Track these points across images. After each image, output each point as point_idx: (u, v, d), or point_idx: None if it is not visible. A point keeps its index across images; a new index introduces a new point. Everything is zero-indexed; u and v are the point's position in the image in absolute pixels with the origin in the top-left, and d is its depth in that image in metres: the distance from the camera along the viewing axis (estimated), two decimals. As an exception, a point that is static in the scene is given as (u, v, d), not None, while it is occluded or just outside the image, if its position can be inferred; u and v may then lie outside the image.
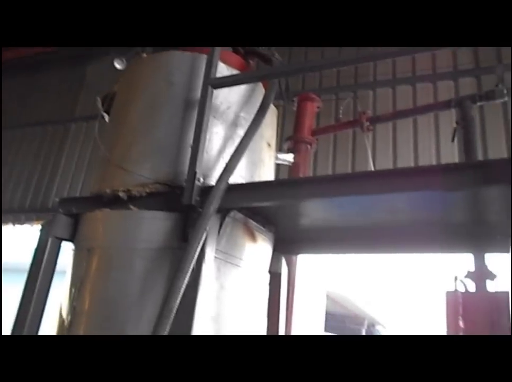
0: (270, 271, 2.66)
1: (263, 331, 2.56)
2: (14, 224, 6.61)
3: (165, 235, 2.01)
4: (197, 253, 1.81)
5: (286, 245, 2.69)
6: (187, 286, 1.82)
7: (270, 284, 2.75)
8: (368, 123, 3.83)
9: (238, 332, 2.16)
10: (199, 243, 1.82)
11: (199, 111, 2.13)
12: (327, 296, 12.76)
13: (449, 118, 4.97)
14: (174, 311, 1.72)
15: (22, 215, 6.66)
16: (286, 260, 2.84)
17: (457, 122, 3.52)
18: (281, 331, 2.72)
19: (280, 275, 2.74)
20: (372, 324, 17.88)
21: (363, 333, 15.89)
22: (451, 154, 5.01)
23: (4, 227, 6.69)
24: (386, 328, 17.12)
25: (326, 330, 12.92)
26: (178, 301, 1.74)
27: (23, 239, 6.71)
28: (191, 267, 1.79)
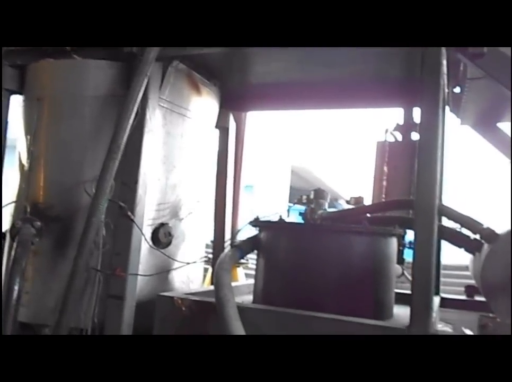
0: (218, 127, 2.86)
1: (209, 179, 2.84)
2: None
3: (110, 84, 2.13)
4: (140, 96, 1.96)
5: (233, 101, 2.85)
6: (134, 128, 2.01)
7: (219, 138, 2.97)
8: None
9: (185, 176, 2.42)
10: (140, 87, 1.96)
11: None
12: (292, 171, 13.39)
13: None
14: (122, 147, 1.93)
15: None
16: (235, 116, 3.03)
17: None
18: (229, 183, 3.01)
19: (227, 129, 2.95)
20: (335, 199, 19.03)
21: (327, 207, 16.95)
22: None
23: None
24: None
25: (290, 202, 13.81)
26: (125, 139, 1.94)
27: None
28: (135, 109, 1.96)
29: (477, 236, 1.86)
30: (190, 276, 2.51)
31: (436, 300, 2.70)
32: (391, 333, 1.64)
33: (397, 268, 2.56)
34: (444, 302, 2.89)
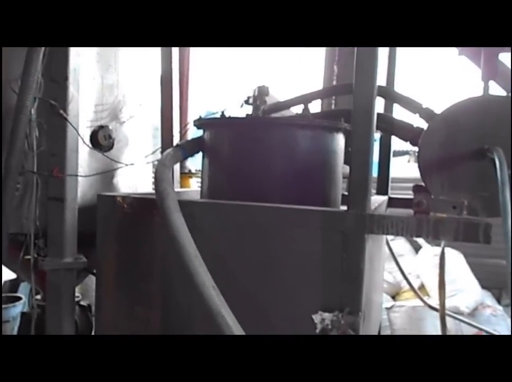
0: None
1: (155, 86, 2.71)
2: None
3: None
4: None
5: None
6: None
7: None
8: None
9: (123, 77, 2.30)
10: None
11: None
12: (254, 96, 13.15)
13: None
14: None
15: None
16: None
17: None
18: (175, 90, 2.87)
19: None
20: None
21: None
22: None
23: None
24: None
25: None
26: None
27: None
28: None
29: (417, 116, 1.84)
30: (136, 183, 2.47)
31: (384, 198, 2.78)
32: (331, 217, 1.67)
33: (346, 168, 2.58)
34: (392, 202, 2.98)
